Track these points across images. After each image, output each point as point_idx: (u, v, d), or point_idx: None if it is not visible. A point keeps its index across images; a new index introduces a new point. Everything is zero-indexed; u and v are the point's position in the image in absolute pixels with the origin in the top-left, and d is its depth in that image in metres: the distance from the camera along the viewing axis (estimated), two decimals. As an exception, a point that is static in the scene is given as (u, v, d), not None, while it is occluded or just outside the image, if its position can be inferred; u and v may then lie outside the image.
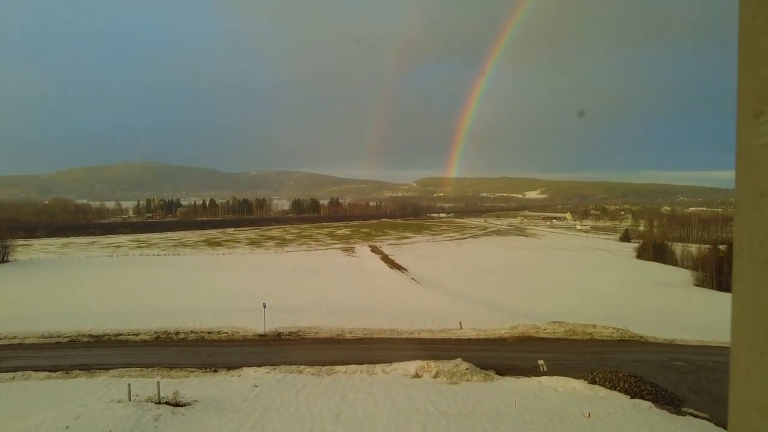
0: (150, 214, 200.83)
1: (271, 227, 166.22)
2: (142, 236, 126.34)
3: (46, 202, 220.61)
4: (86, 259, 73.10)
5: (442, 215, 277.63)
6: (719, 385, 18.50)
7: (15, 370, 19.97)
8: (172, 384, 17.65)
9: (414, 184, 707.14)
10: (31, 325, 27.19)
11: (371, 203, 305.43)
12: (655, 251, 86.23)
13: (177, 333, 26.39)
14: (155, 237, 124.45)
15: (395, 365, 20.47)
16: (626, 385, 17.88)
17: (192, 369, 20.33)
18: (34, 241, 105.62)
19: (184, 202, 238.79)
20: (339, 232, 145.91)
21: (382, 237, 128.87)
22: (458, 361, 20.31)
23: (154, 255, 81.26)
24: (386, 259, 76.07)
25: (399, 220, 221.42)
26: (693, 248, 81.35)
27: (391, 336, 26.62)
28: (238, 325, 27.64)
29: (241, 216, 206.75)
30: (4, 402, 16.80)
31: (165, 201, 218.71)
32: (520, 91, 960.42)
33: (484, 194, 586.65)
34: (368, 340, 25.69)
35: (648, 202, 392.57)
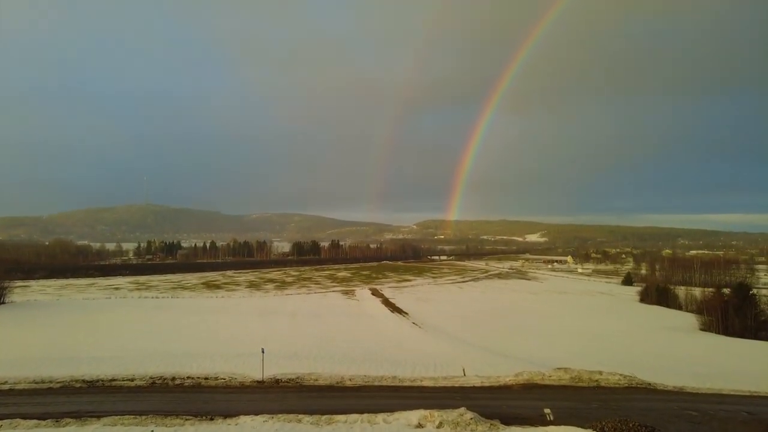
0: (150, 256, 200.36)
1: (271, 270, 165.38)
2: (142, 278, 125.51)
3: (47, 243, 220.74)
4: (84, 301, 72.29)
5: (443, 258, 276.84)
6: (733, 437, 17.82)
7: (3, 417, 19.31)
8: (166, 433, 17.02)
9: (414, 226, 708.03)
10: (23, 370, 26.55)
11: (372, 245, 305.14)
12: (658, 295, 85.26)
13: (173, 378, 25.73)
14: (154, 279, 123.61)
15: (397, 414, 19.81)
16: (637, 436, 17.20)
17: (188, 417, 19.68)
18: (33, 283, 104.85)
19: (184, 244, 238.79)
20: (339, 274, 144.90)
21: (383, 280, 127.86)
22: (462, 410, 19.67)
23: (152, 297, 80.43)
24: (387, 302, 75.14)
25: (400, 263, 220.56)
26: (696, 292, 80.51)
27: (393, 383, 25.92)
28: (235, 371, 26.99)
29: (241, 258, 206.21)
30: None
31: (165, 243, 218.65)
32: (519, 138, 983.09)
33: (485, 237, 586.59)
34: (369, 388, 24.99)
35: (649, 245, 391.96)
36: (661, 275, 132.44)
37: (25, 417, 19.43)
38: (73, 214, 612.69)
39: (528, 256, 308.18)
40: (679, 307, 78.22)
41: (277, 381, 25.64)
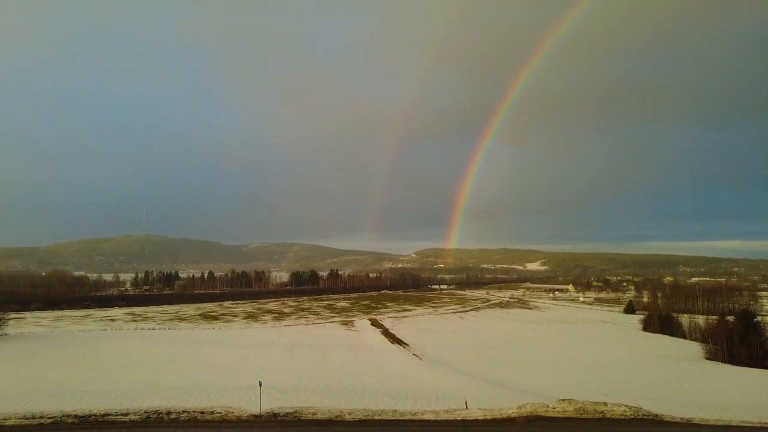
0: (147, 287, 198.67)
1: (269, 300, 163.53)
2: (138, 309, 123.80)
3: (44, 273, 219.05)
4: (78, 333, 71.10)
5: (443, 287, 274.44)
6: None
7: (-8, 455, 18.75)
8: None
9: (414, 255, 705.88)
10: (13, 405, 25.87)
11: (371, 275, 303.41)
12: (661, 323, 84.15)
13: (168, 413, 25.06)
14: (151, 310, 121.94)
15: (398, 449, 19.26)
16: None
17: (181, 454, 19.10)
18: (27, 314, 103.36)
19: (182, 275, 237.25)
20: (338, 304, 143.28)
21: (383, 309, 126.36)
22: (465, 443, 19.14)
23: (149, 329, 79.22)
24: (387, 333, 74.01)
25: (399, 292, 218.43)
26: (700, 319, 79.52)
27: (393, 417, 25.30)
28: (232, 405, 26.36)
29: (239, 288, 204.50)
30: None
31: (163, 273, 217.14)
32: (517, 166, 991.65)
33: (485, 265, 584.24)
34: (369, 422, 24.37)
35: (650, 272, 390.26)
36: (663, 303, 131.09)
37: (14, 455, 18.84)
38: (71, 245, 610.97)
39: (529, 284, 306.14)
40: (682, 336, 77.09)
41: (275, 415, 25.02)
